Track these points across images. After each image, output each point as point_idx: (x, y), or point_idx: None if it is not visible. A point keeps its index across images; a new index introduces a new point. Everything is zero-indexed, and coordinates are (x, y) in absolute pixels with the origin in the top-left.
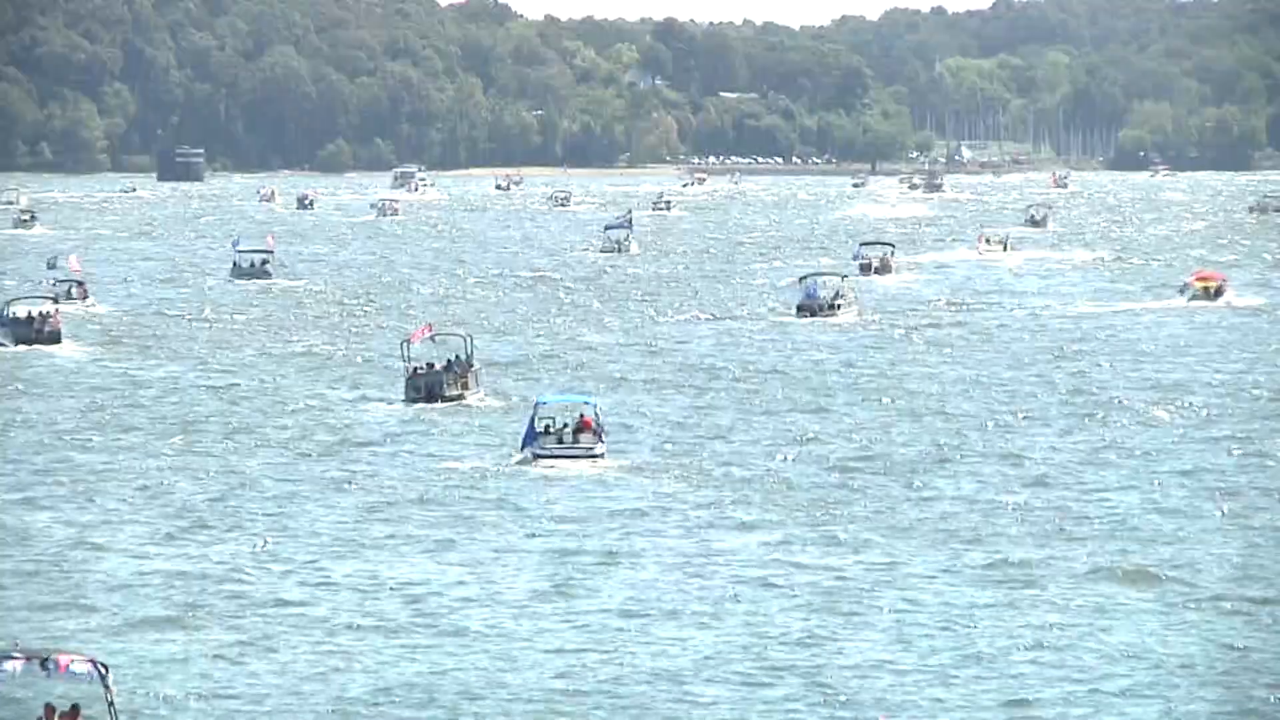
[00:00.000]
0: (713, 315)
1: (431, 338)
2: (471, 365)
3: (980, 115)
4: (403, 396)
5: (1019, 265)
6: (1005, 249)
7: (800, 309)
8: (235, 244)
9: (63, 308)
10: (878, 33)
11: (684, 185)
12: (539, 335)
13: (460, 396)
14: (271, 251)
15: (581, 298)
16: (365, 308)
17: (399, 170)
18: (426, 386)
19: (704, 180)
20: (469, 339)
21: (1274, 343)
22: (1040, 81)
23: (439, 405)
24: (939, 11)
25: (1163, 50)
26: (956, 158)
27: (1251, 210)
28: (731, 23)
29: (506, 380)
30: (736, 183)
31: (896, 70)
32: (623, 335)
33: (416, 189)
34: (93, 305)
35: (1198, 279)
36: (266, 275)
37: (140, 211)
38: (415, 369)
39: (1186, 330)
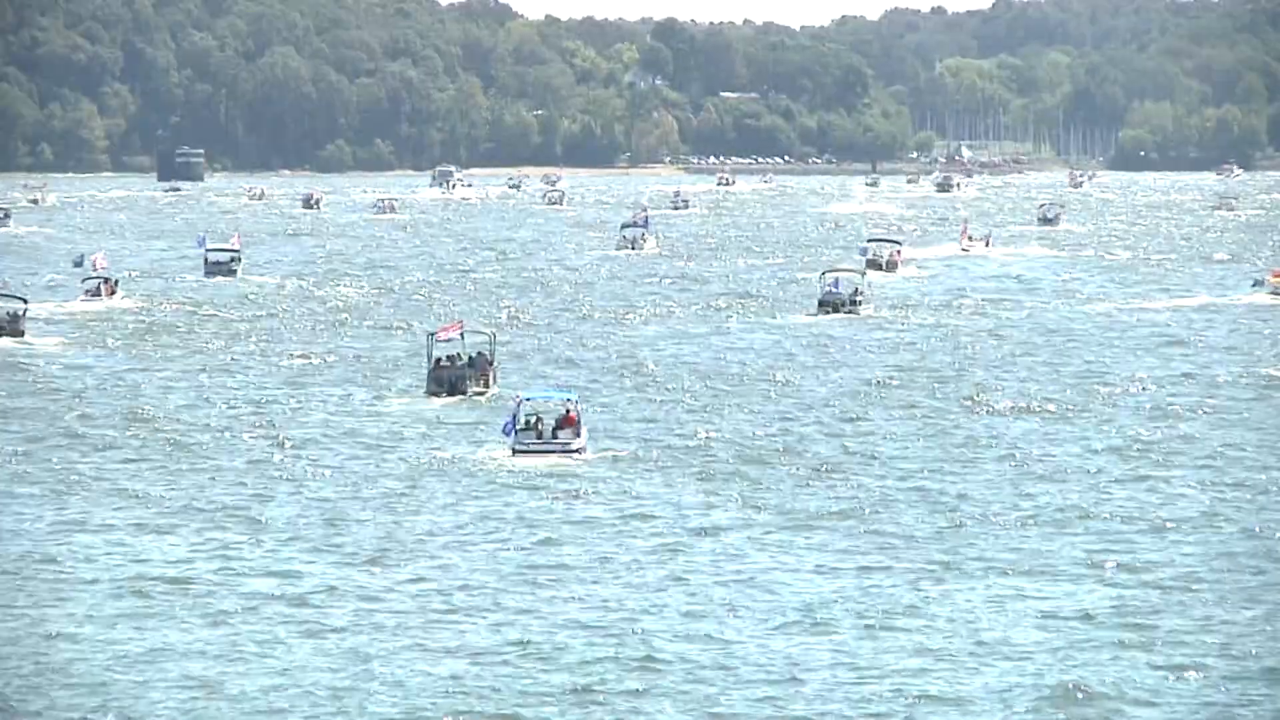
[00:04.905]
0: (732, 312)
1: (460, 335)
2: (492, 363)
3: (980, 115)
4: (424, 390)
5: (1010, 261)
6: (987, 244)
7: (822, 304)
8: (200, 242)
9: (90, 304)
10: (878, 33)
11: (720, 184)
12: (549, 332)
13: (482, 393)
14: (239, 251)
15: (593, 296)
16: (369, 306)
17: (438, 169)
18: (449, 381)
19: (732, 182)
20: (493, 336)
21: None
22: (1040, 81)
23: (459, 400)
24: (939, 11)
25: (1163, 50)
26: (956, 157)
27: (1216, 209)
28: (731, 23)
29: (518, 377)
30: (768, 181)
31: (896, 70)
32: (634, 333)
33: (454, 188)
34: (120, 301)
35: (1275, 275)
36: (232, 274)
37: (133, 211)
38: (439, 361)
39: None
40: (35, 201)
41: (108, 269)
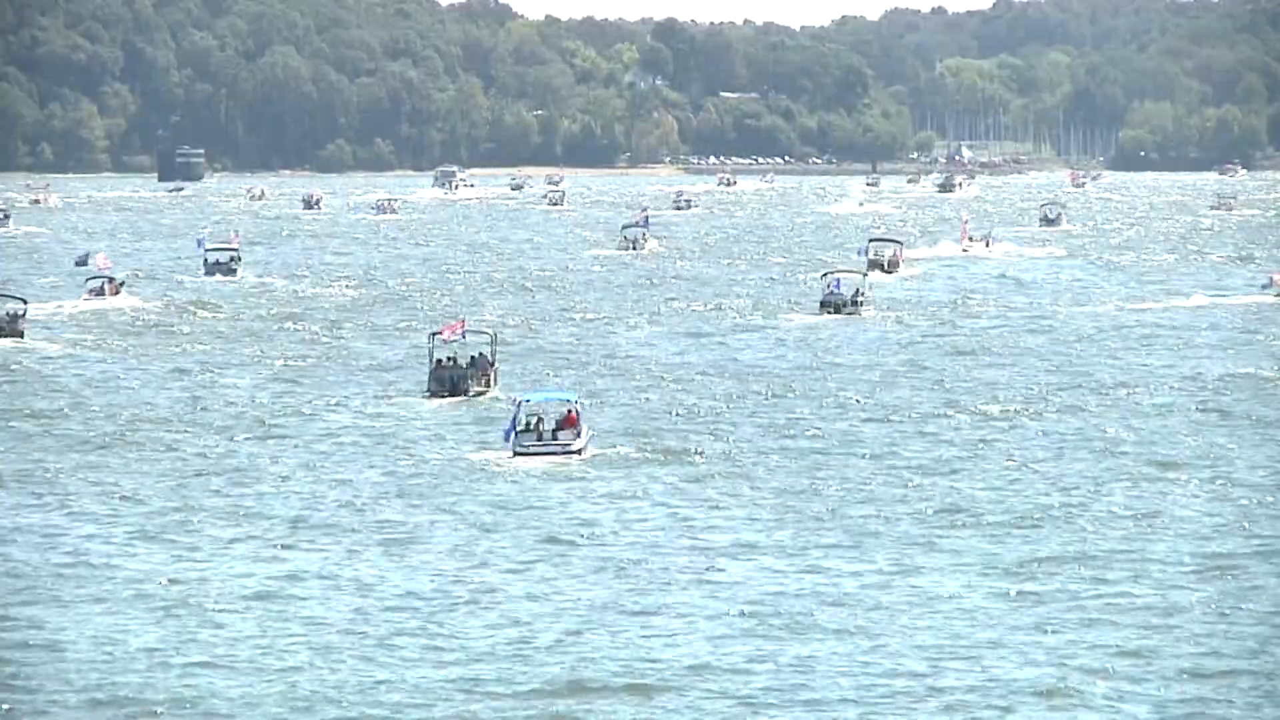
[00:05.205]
0: (734, 313)
1: (463, 334)
2: (493, 363)
3: (980, 115)
4: (425, 390)
5: (1010, 261)
6: (988, 244)
7: (824, 305)
8: (200, 243)
9: (93, 303)
10: (878, 33)
11: (721, 184)
12: (550, 333)
13: (483, 393)
14: (237, 250)
15: (594, 296)
16: (369, 306)
17: (440, 169)
18: (450, 381)
19: (734, 182)
20: (494, 337)
21: None
22: (1040, 81)
23: (460, 400)
24: (939, 11)
25: (1163, 50)
26: (956, 158)
27: (1214, 208)
28: (732, 23)
29: (519, 377)
30: (770, 182)
31: (897, 70)
32: (634, 334)
33: (457, 188)
34: (124, 301)
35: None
36: (232, 273)
37: (135, 211)
38: (440, 362)
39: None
40: (38, 202)
41: (111, 268)
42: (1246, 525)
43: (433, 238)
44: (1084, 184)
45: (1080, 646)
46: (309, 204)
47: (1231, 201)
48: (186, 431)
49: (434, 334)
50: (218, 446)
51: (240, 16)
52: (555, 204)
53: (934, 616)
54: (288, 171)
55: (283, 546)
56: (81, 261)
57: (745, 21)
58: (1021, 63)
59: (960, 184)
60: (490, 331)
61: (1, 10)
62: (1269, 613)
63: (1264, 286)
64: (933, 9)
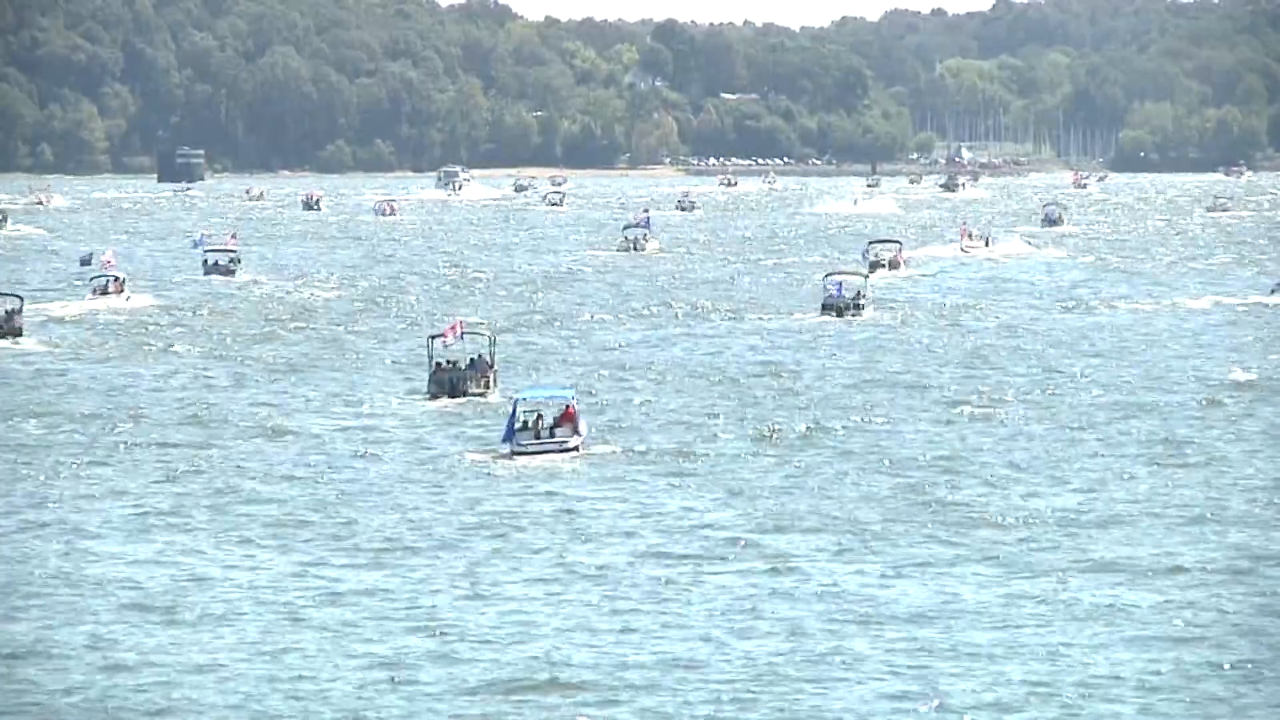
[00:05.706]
0: (735, 314)
1: (461, 335)
2: (493, 365)
3: (981, 116)
4: (425, 391)
5: (1011, 261)
6: (988, 244)
7: (825, 307)
8: (197, 243)
9: (97, 302)
10: (878, 33)
11: (723, 184)
12: (550, 333)
13: (482, 393)
14: (237, 251)
15: (594, 296)
16: (369, 308)
17: (443, 170)
18: (450, 383)
19: (735, 183)
20: (493, 338)
21: None
22: (1040, 82)
23: (460, 402)
24: (939, 12)
25: (1163, 50)
26: (956, 159)
27: (1209, 210)
28: (732, 23)
29: (519, 378)
30: (771, 183)
31: (897, 71)
32: (637, 334)
33: (460, 188)
34: (129, 299)
35: None
36: (231, 274)
37: (137, 212)
38: (439, 364)
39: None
40: (39, 203)
41: (115, 266)
42: (1249, 526)
43: (433, 238)
44: (1086, 185)
45: (1079, 646)
46: (309, 204)
47: (1228, 203)
48: (185, 432)
49: (432, 337)
50: (216, 447)
51: (240, 17)
52: (555, 205)
53: (932, 616)
54: (288, 172)
55: (282, 548)
56: (85, 261)
57: (745, 22)
58: (1021, 63)
59: (964, 185)
60: (489, 333)
61: (1, 10)
62: (1270, 613)
63: (1273, 289)
64: (933, 10)
